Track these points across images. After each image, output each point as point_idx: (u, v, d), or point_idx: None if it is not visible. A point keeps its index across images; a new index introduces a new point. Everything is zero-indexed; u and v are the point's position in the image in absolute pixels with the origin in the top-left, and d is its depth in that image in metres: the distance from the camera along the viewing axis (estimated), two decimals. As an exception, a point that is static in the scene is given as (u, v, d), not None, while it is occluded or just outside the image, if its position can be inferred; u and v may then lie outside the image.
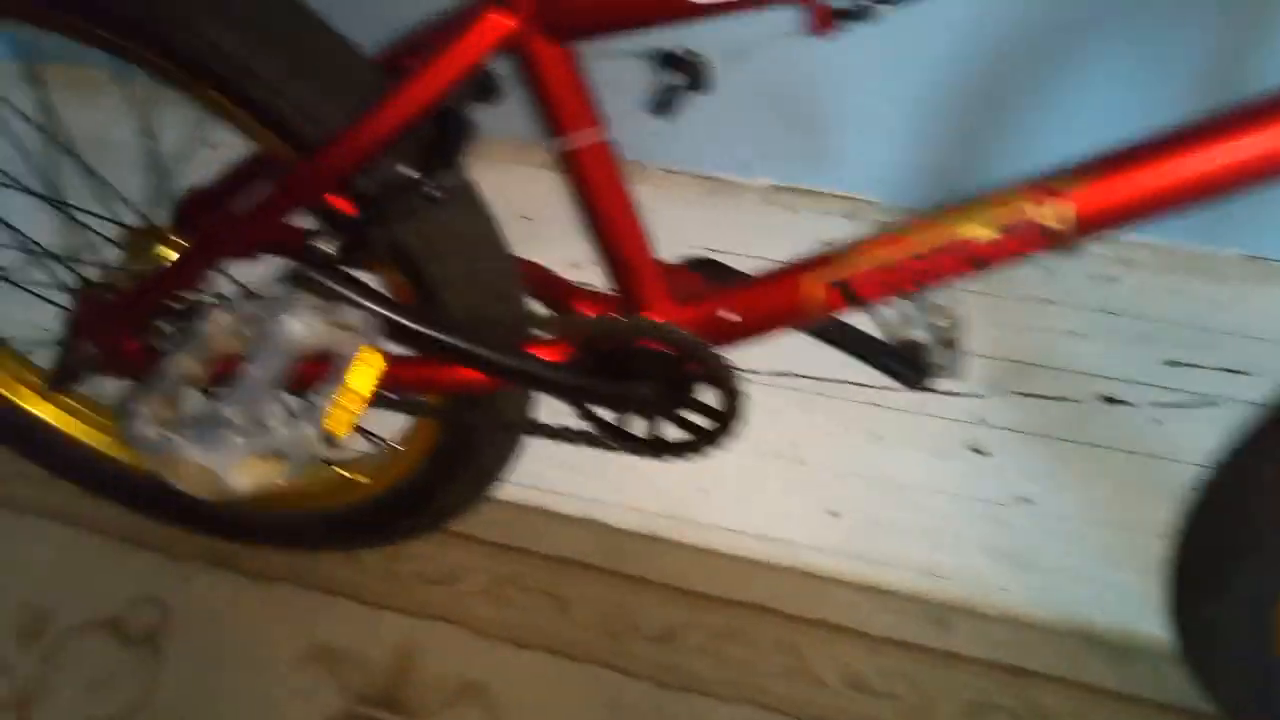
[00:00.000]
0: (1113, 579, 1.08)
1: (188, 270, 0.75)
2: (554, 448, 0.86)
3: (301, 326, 0.62)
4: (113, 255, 0.90)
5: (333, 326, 0.63)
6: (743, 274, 0.84)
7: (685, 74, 0.62)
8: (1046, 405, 1.21)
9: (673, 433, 0.82)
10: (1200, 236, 1.32)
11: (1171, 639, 0.85)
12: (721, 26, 0.60)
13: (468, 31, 0.60)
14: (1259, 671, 0.80)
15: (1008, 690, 1.02)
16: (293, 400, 0.59)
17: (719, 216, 1.42)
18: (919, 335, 0.83)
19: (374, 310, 0.65)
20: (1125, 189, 0.59)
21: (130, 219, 0.90)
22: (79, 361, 0.81)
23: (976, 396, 1.22)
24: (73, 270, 0.90)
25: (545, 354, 0.77)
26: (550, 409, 0.92)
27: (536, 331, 0.77)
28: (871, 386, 1.21)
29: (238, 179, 0.86)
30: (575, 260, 1.33)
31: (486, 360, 0.72)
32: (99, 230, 0.95)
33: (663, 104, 0.62)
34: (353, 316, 0.64)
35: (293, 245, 0.79)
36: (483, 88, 0.68)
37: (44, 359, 1.03)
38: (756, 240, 1.37)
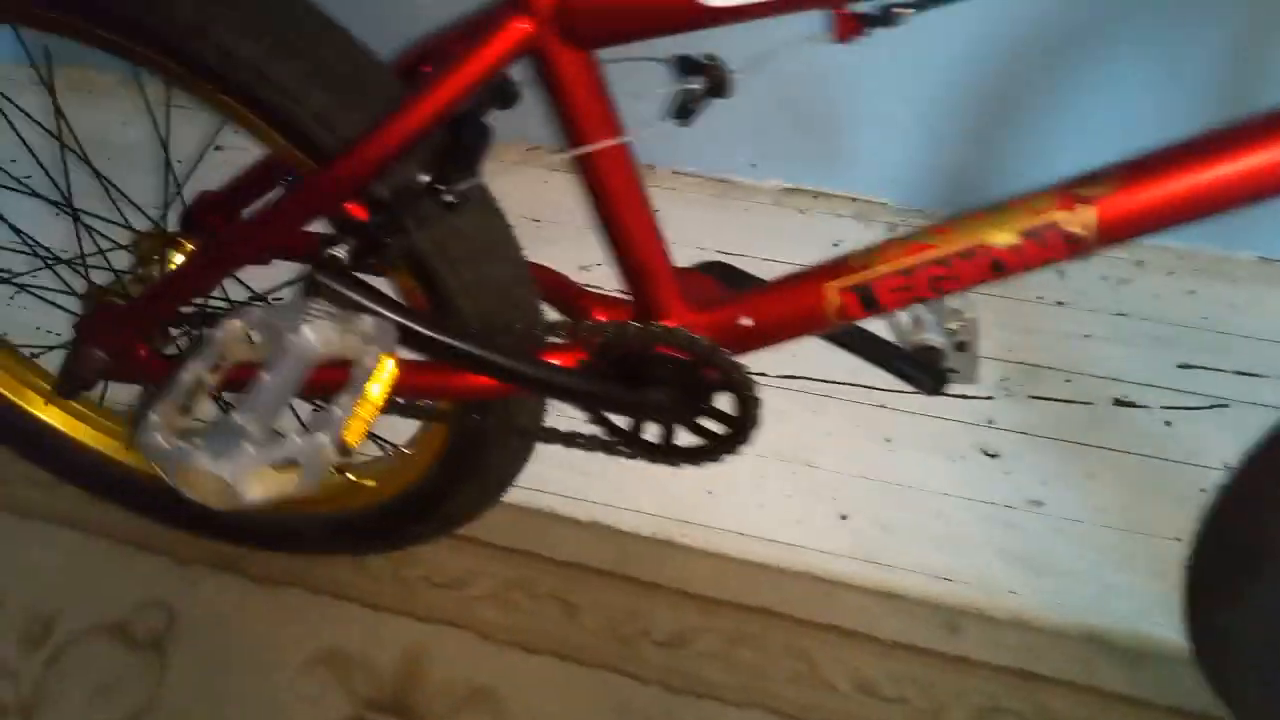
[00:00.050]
0: (1124, 582, 1.07)
1: (201, 276, 0.74)
2: (561, 451, 0.86)
3: (317, 335, 0.62)
4: (122, 259, 0.89)
5: (349, 334, 0.63)
6: (756, 278, 0.84)
7: (706, 79, 0.61)
8: (1057, 408, 1.21)
9: (687, 438, 0.81)
10: (1214, 239, 1.32)
11: (1186, 643, 0.84)
12: (738, 31, 0.59)
13: (488, 37, 0.59)
14: (1275, 677, 0.80)
15: (1018, 695, 1.02)
16: (308, 409, 0.59)
17: (729, 218, 1.42)
18: (934, 339, 0.82)
19: (392, 319, 0.65)
20: (1150, 195, 0.58)
21: (139, 223, 0.90)
22: (88, 368, 0.81)
23: (987, 399, 1.21)
24: (82, 275, 0.90)
25: (560, 360, 0.76)
26: (561, 413, 0.91)
27: (550, 337, 0.76)
28: (880, 389, 1.21)
29: (249, 183, 0.86)
30: (583, 262, 1.35)
31: (502, 367, 0.71)
32: (108, 234, 0.95)
33: (683, 110, 0.61)
34: (369, 324, 0.63)
35: (305, 250, 0.78)
36: (500, 93, 0.68)
37: (50, 362, 1.03)
38: (767, 242, 1.37)
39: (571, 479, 1.16)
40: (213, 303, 0.88)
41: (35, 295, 0.97)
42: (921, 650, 1.04)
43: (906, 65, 1.23)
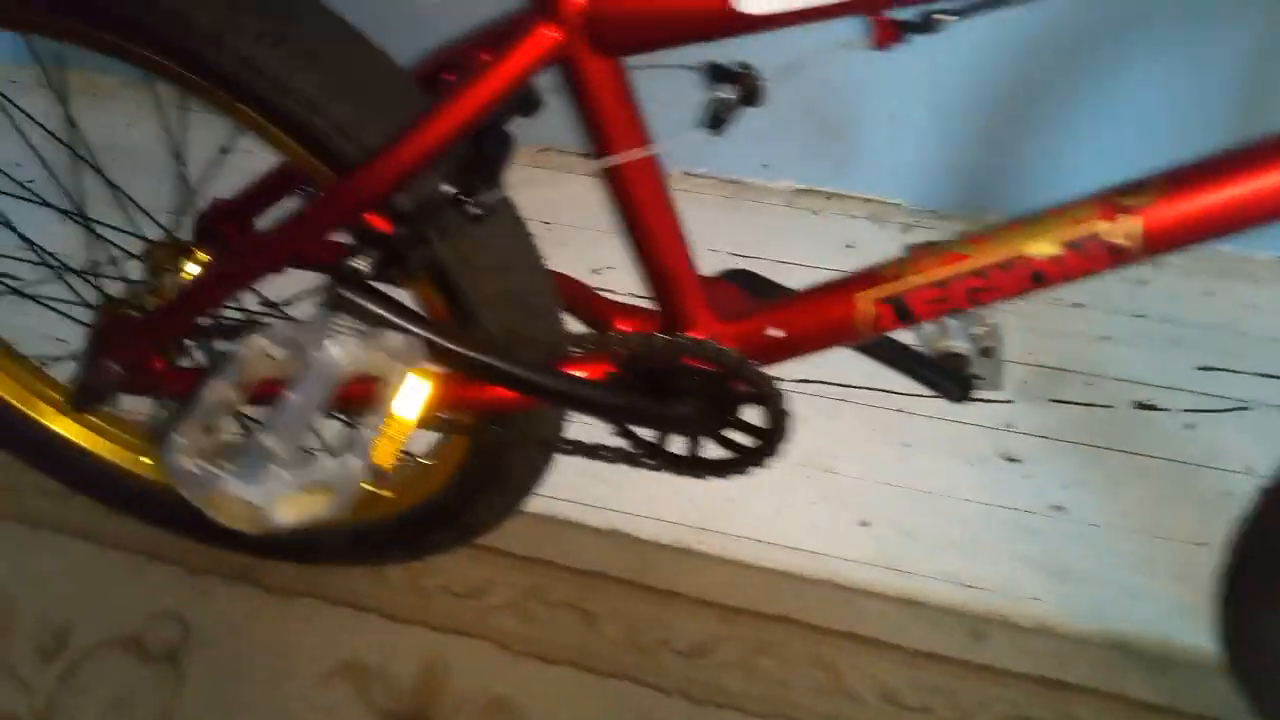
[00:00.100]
0: (1148, 588, 1.06)
1: (218, 288, 0.73)
2: (578, 458, 0.84)
3: (343, 352, 0.60)
4: (134, 267, 0.88)
5: (375, 351, 0.61)
6: (782, 287, 0.82)
7: (738, 88, 0.60)
8: (1078, 411, 1.19)
9: (714, 451, 0.80)
10: (1233, 238, 1.30)
11: (1219, 651, 0.83)
12: (765, 37, 0.58)
13: (515, 46, 0.58)
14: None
15: (1044, 703, 1.01)
16: (336, 428, 0.57)
17: (742, 220, 1.40)
18: (958, 346, 0.81)
19: (419, 334, 0.63)
20: (1197, 205, 0.57)
21: (152, 232, 0.88)
22: (103, 381, 0.79)
23: (1006, 402, 1.20)
24: (93, 285, 0.88)
25: (584, 372, 0.75)
26: (583, 424, 0.90)
27: (574, 349, 0.75)
28: (899, 393, 1.20)
29: (263, 191, 0.85)
30: (595, 265, 1.33)
31: (528, 381, 0.70)
32: (119, 243, 0.93)
33: (715, 119, 0.60)
34: (396, 341, 0.61)
35: (324, 260, 0.77)
36: (524, 101, 0.66)
37: (58, 370, 1.02)
38: (780, 244, 1.36)
39: (589, 486, 1.15)
40: (228, 313, 0.87)
41: (46, 306, 0.96)
42: (945, 658, 1.03)
43: (921, 66, 1.22)
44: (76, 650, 1.08)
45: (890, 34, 0.55)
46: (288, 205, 0.84)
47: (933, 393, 0.81)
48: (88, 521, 1.15)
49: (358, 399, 0.66)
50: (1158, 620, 1.04)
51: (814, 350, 0.72)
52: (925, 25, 0.55)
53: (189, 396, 0.59)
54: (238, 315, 0.88)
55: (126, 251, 0.91)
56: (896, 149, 1.34)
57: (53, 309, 0.95)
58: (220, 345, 0.80)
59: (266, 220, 0.86)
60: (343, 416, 0.72)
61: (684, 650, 1.05)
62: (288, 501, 0.55)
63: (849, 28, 0.58)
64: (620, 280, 1.31)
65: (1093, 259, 0.59)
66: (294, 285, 0.85)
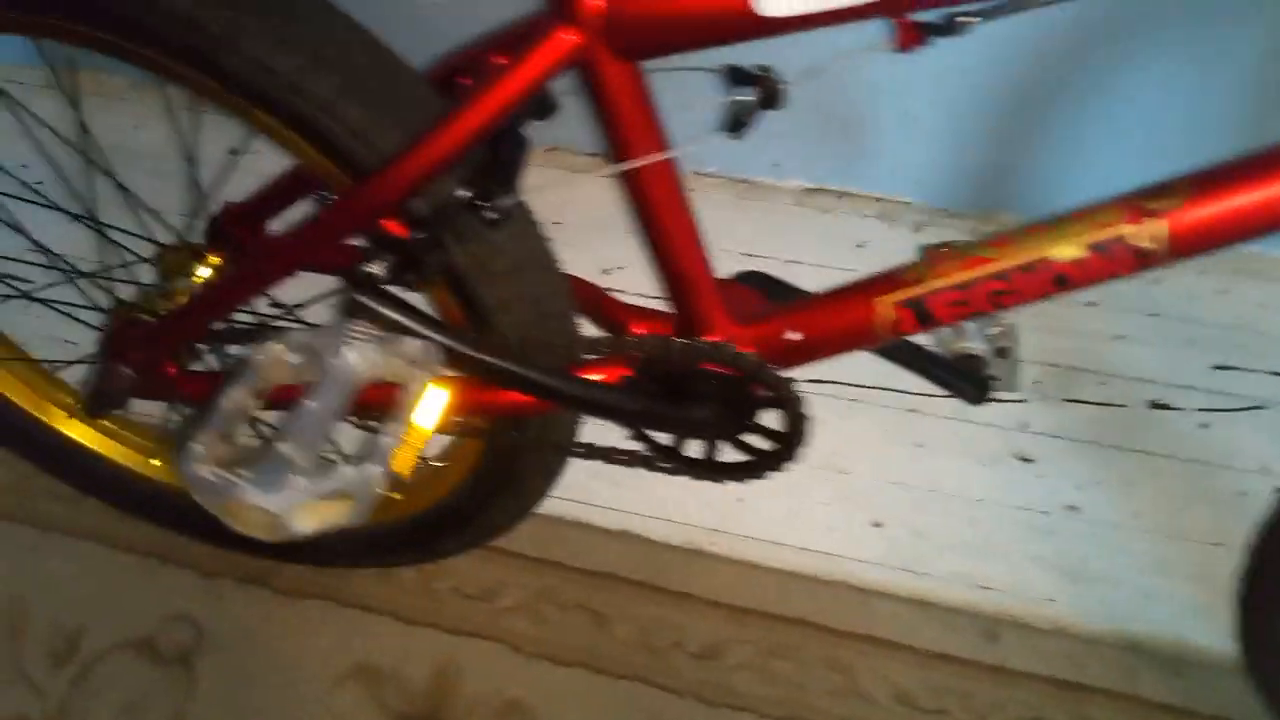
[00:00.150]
0: (1162, 588, 1.06)
1: (233, 293, 0.72)
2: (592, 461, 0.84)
3: (361, 359, 0.60)
4: (146, 271, 0.87)
5: (392, 357, 0.61)
6: (796, 289, 0.82)
7: (759, 91, 0.59)
8: (1092, 411, 1.19)
9: (731, 454, 0.79)
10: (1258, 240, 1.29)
11: (1236, 652, 0.83)
12: (784, 41, 0.57)
13: (533, 49, 0.57)
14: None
15: (1059, 705, 1.00)
16: (352, 434, 0.57)
17: (751, 219, 1.40)
18: (974, 347, 0.80)
19: (436, 340, 0.63)
20: (1224, 208, 0.56)
21: (163, 235, 0.88)
22: (116, 386, 0.79)
23: (1020, 402, 1.19)
24: (104, 289, 0.88)
25: (600, 376, 0.75)
26: (598, 427, 0.89)
27: (591, 353, 0.74)
28: (912, 394, 1.19)
29: (275, 194, 0.84)
30: (605, 265, 1.33)
31: (545, 386, 0.69)
32: (130, 247, 0.93)
33: (736, 123, 0.59)
34: (413, 347, 0.61)
35: (336, 262, 0.77)
36: (539, 104, 0.66)
37: (68, 374, 1.01)
38: (790, 243, 1.35)
39: (600, 488, 1.14)
40: (239, 316, 0.86)
41: (58, 310, 0.95)
42: (960, 660, 1.03)
43: (931, 65, 1.21)
44: (88, 654, 1.08)
45: (913, 36, 0.55)
46: (300, 208, 0.83)
47: (949, 395, 0.81)
48: (99, 525, 1.15)
49: (374, 404, 0.66)
50: (1172, 621, 1.04)
51: (832, 354, 0.71)
52: (949, 28, 0.54)
53: (206, 405, 0.59)
54: (249, 319, 0.87)
55: (137, 255, 0.90)
56: (907, 148, 1.33)
57: (64, 313, 0.95)
58: (234, 350, 0.80)
59: (279, 223, 0.85)
60: (359, 421, 0.71)
61: (696, 652, 1.05)
62: (307, 510, 0.55)
63: (870, 30, 0.57)
64: (631, 280, 1.31)
65: (1117, 262, 0.59)
66: (304, 288, 0.85)
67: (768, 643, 1.05)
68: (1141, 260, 0.58)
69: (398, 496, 0.97)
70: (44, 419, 1.00)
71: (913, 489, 1.14)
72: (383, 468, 0.55)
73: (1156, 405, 1.18)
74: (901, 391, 1.19)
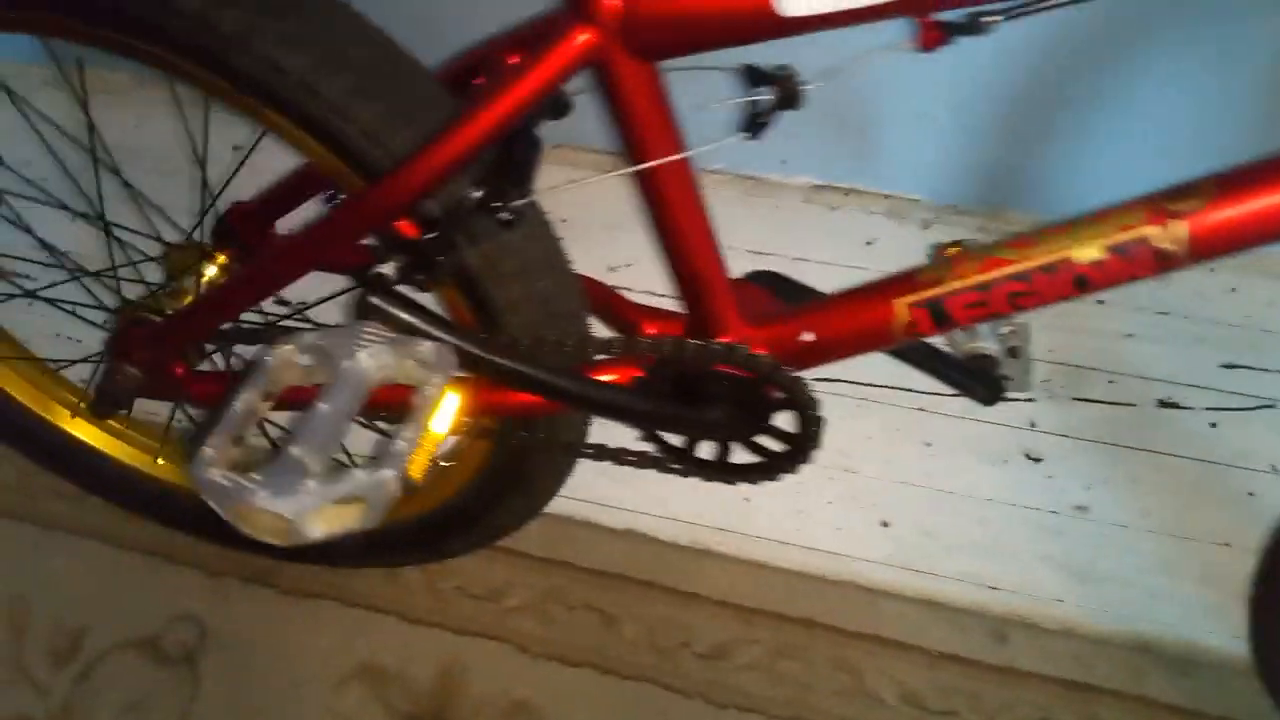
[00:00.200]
0: (1172, 589, 1.05)
1: (242, 293, 0.72)
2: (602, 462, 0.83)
3: (374, 361, 0.59)
4: (151, 269, 0.87)
5: (405, 359, 0.60)
6: (809, 289, 0.81)
7: (777, 91, 0.58)
8: (1101, 410, 1.18)
9: (743, 455, 0.79)
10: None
11: (1249, 653, 0.82)
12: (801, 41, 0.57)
13: (549, 49, 0.57)
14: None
15: (1068, 705, 1.00)
16: (365, 436, 0.56)
17: (759, 216, 1.39)
18: (986, 346, 0.80)
19: (450, 342, 0.62)
20: (1247, 210, 0.56)
21: (169, 234, 0.87)
22: (122, 386, 0.78)
23: (1028, 401, 1.19)
24: (111, 289, 0.87)
25: (612, 377, 0.74)
26: (608, 427, 0.89)
27: (603, 354, 0.74)
28: (920, 392, 1.19)
29: (284, 194, 0.83)
30: (611, 263, 1.32)
31: (556, 387, 0.69)
32: (137, 245, 0.92)
33: (753, 123, 0.59)
34: (427, 350, 0.60)
35: (348, 263, 0.76)
36: (554, 104, 0.65)
37: (72, 373, 1.01)
38: (798, 240, 1.34)
39: (607, 487, 1.14)
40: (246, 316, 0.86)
41: (63, 309, 0.94)
42: (968, 660, 1.03)
43: (941, 61, 1.20)
44: (92, 653, 1.07)
45: (935, 36, 0.54)
46: (309, 208, 0.83)
47: (961, 395, 0.80)
48: (103, 523, 1.14)
49: (385, 406, 0.65)
50: (1181, 621, 1.03)
51: (847, 355, 0.71)
52: (971, 27, 0.53)
53: (217, 408, 0.58)
54: (256, 318, 0.87)
55: (144, 254, 0.89)
56: (916, 146, 1.32)
57: (71, 312, 0.94)
58: (243, 351, 0.79)
59: (287, 223, 0.85)
60: (369, 423, 0.71)
61: (704, 652, 1.04)
62: (319, 514, 0.54)
63: (891, 30, 0.56)
64: (639, 278, 1.30)
65: (1138, 264, 0.58)
66: (312, 287, 0.84)
67: (775, 643, 1.04)
68: (1162, 262, 0.58)
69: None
70: (48, 418, 0.99)
71: (921, 488, 1.14)
72: (396, 471, 0.54)
73: (1166, 404, 1.18)
74: (910, 390, 1.19)
